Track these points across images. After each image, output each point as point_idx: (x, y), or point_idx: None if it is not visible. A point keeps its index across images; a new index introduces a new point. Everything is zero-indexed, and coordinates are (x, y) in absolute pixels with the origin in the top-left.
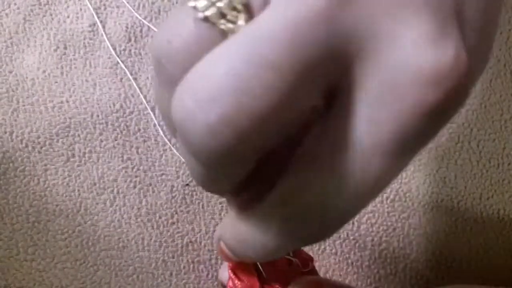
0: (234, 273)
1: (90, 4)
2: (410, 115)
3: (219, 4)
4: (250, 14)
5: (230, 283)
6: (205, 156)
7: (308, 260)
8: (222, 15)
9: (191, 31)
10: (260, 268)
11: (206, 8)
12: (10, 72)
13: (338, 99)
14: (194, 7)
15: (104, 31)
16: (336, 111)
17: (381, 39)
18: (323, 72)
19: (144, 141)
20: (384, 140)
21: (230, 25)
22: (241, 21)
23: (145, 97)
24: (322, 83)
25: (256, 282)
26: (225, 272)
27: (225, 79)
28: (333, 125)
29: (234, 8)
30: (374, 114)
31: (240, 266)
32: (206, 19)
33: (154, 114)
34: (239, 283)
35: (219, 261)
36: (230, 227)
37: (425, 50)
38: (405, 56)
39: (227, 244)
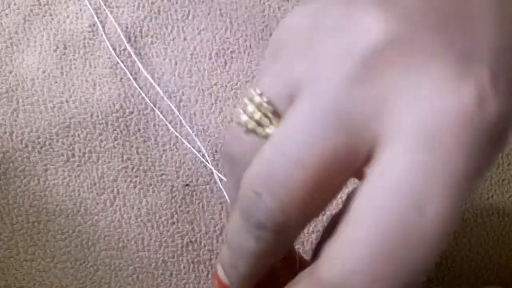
0: None
1: (90, 4)
2: (456, 158)
3: (256, 117)
4: (279, 117)
5: None
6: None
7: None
8: (259, 124)
9: (245, 141)
10: None
11: (248, 122)
12: (10, 72)
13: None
14: (239, 123)
15: (104, 31)
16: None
17: (400, 102)
18: (349, 159)
19: (144, 141)
20: (437, 184)
21: (268, 130)
22: (272, 127)
23: (144, 97)
24: (350, 167)
25: None
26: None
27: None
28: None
29: (267, 116)
30: (421, 161)
31: None
32: (251, 130)
33: (154, 114)
34: None
35: None
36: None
37: (447, 93)
38: (430, 105)
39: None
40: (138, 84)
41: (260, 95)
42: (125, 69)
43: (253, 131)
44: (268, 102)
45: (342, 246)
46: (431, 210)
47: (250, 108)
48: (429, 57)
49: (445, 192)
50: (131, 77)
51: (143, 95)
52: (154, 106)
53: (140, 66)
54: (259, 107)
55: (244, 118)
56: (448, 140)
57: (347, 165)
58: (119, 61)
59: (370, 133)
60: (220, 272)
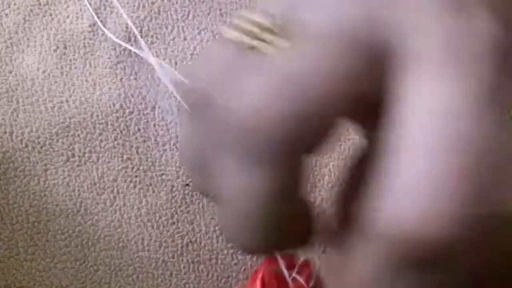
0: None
1: (90, 4)
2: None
3: (254, 32)
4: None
5: None
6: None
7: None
8: (259, 40)
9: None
10: None
11: (242, 38)
12: (10, 72)
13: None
14: (226, 41)
15: (104, 31)
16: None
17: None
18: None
19: (144, 141)
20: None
21: (274, 45)
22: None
23: (145, 97)
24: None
25: None
26: None
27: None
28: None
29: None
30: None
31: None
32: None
33: (154, 114)
34: None
35: (219, 261)
36: None
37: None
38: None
39: None
40: (138, 84)
41: (256, 15)
42: (125, 69)
43: (251, 48)
44: (269, 20)
45: (405, 182)
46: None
47: (244, 25)
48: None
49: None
50: (131, 77)
51: (143, 95)
52: (154, 106)
53: (154, 58)
54: (256, 24)
55: (235, 33)
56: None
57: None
58: (119, 61)
59: (390, 47)
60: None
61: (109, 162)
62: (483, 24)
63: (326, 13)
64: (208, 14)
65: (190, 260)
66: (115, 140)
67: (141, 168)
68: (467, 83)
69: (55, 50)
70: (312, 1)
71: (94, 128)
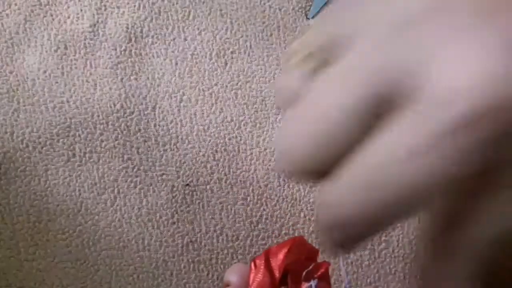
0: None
1: (91, 4)
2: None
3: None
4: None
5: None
6: None
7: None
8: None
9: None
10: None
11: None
12: (11, 72)
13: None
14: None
15: (104, 31)
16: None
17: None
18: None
19: (145, 141)
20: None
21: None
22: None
23: (145, 97)
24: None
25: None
26: (231, 274)
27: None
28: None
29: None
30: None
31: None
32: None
33: (155, 114)
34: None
35: (219, 261)
36: None
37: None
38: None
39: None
40: (138, 84)
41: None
42: (126, 69)
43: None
44: (313, 50)
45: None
46: None
47: (297, 55)
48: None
49: None
50: (131, 77)
51: (144, 95)
52: (155, 106)
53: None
54: (304, 52)
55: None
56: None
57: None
58: (120, 62)
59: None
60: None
61: (109, 162)
62: None
63: None
64: (209, 14)
65: (190, 260)
66: (116, 140)
67: (141, 168)
68: None
69: (55, 51)
70: None
71: (95, 128)
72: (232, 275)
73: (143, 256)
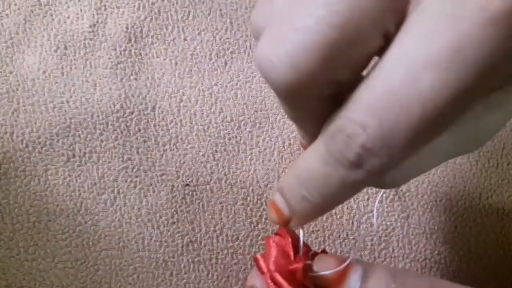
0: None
1: (90, 4)
2: (469, 23)
3: None
4: None
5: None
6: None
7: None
8: None
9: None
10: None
11: None
12: (11, 72)
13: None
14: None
15: (104, 31)
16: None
17: None
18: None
19: (145, 141)
20: (438, 50)
21: None
22: None
23: (145, 97)
24: (380, 27)
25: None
26: (254, 279)
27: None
28: (390, 48)
29: None
30: (431, 26)
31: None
32: None
33: (154, 114)
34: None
35: (219, 261)
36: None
37: None
38: None
39: (287, 192)
40: (138, 85)
41: None
42: (125, 69)
43: None
44: None
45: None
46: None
47: None
48: None
49: (442, 61)
50: (131, 78)
51: (143, 95)
52: (154, 106)
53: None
54: None
55: None
56: (471, 3)
57: (378, 25)
58: (119, 62)
59: None
60: (280, 201)
61: (109, 162)
62: None
63: None
64: (208, 14)
65: (190, 260)
66: (116, 140)
67: (141, 168)
68: None
69: (55, 51)
70: None
71: (95, 128)
72: (255, 279)
73: (143, 256)
